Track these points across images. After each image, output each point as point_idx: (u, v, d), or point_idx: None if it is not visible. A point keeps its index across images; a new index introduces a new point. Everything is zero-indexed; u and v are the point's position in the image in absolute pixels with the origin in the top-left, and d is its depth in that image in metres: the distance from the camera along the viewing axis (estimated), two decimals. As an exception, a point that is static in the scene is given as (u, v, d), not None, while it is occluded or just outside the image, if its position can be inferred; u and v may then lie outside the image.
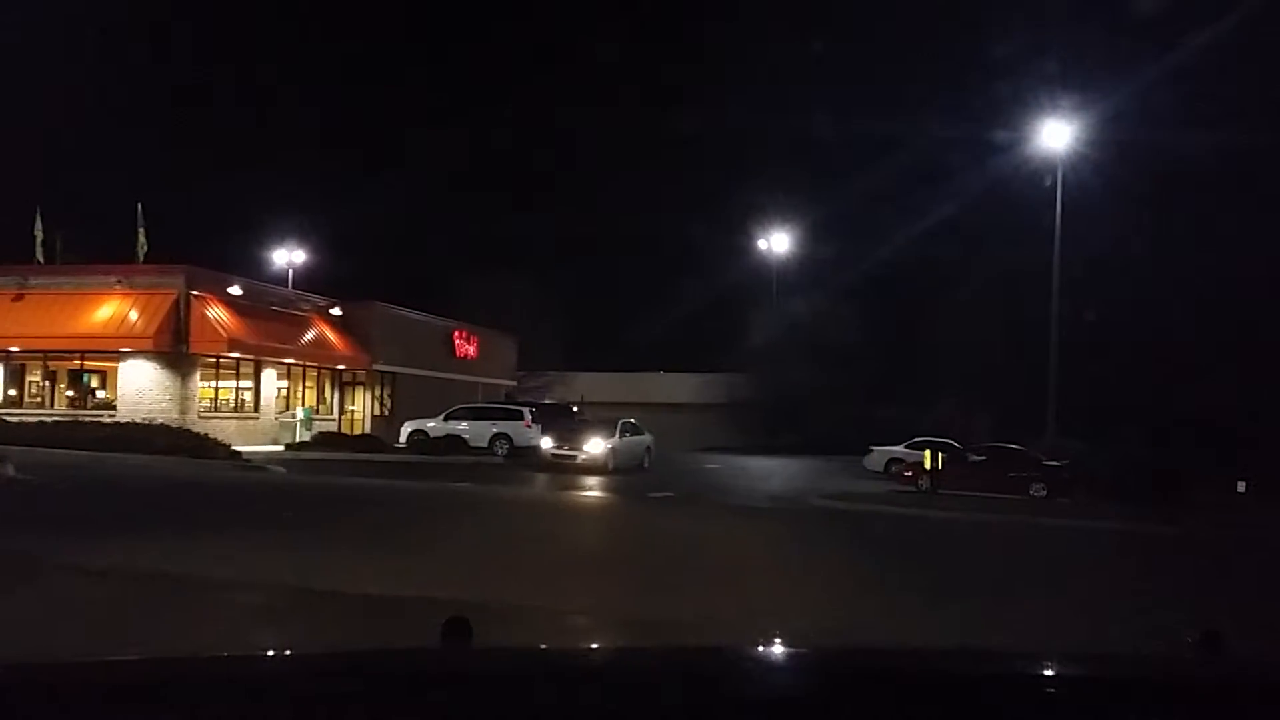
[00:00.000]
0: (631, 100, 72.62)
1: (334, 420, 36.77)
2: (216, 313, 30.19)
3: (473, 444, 31.27)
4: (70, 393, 31.16)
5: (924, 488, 23.78)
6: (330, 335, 36.09)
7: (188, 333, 29.47)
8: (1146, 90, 35.86)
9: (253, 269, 41.00)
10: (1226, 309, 38.40)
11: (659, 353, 56.35)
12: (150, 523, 11.77)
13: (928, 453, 21.69)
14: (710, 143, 78.84)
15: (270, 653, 2.03)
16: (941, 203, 48.57)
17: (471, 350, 43.76)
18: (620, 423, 28.63)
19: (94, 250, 31.60)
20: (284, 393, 34.75)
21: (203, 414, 30.46)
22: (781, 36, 69.15)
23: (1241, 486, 24.39)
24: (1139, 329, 40.18)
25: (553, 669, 1.77)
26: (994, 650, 2.87)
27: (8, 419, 26.49)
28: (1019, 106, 31.43)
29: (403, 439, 32.85)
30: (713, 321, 55.75)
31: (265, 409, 33.29)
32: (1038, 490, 24.19)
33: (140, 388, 29.51)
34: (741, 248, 55.55)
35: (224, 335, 29.91)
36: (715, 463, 35.47)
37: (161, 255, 31.10)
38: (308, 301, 36.65)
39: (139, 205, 32.40)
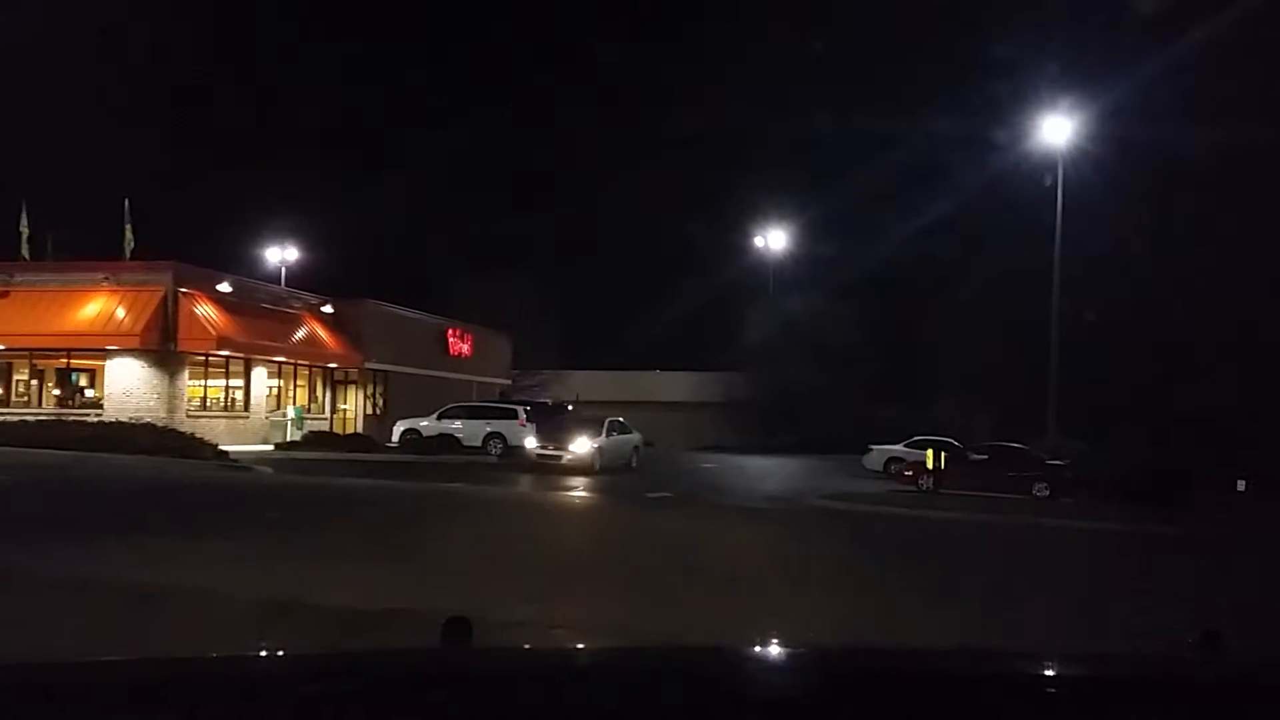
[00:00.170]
0: (630, 100, 72.31)
1: (326, 419, 36.31)
2: (205, 310, 29.71)
3: (466, 443, 30.87)
4: (57, 391, 30.72)
5: (925, 487, 23.39)
6: (322, 333, 35.62)
7: (175, 330, 29.01)
8: (1147, 88, 35.61)
9: (250, 268, 40.51)
10: (1226, 308, 38.19)
11: (656, 351, 56.01)
12: (117, 527, 11.26)
13: (930, 452, 21.23)
14: (709, 142, 78.65)
15: (270, 653, 1.98)
16: (941, 201, 48.34)
17: (466, 349, 43.33)
18: (607, 421, 27.87)
19: (88, 249, 31.16)
20: (275, 392, 34.29)
21: (191, 413, 29.99)
22: (780, 35, 68.89)
23: (1241, 485, 24.14)
24: (1139, 328, 39.96)
25: (553, 669, 1.76)
26: (994, 650, 2.96)
27: (-6, 418, 26.04)
28: (1018, 105, 31.14)
29: (395, 438, 32.44)
30: (710, 320, 55.44)
31: (255, 408, 32.81)
32: (1040, 490, 23.81)
33: (127, 386, 29.04)
34: (740, 246, 55.21)
35: (212, 333, 29.44)
36: (712, 462, 35.05)
37: (154, 253, 30.59)
38: (299, 299, 36.19)
39: (125, 201, 31.93)
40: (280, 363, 33.99)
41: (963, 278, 48.62)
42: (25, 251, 31.63)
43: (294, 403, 34.42)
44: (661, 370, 57.79)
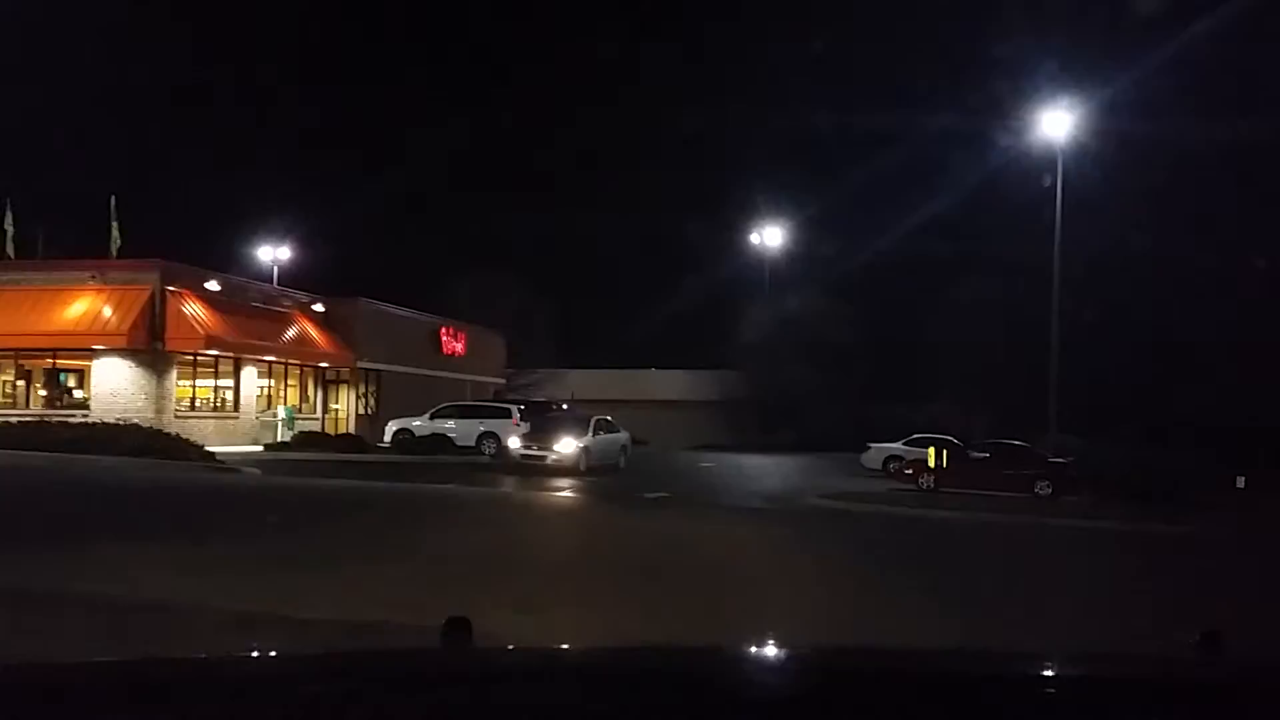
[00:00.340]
0: (627, 98, 72.00)
1: (317, 419, 35.83)
2: (193, 309, 29.23)
3: (459, 443, 30.47)
4: (43, 392, 30.23)
5: (926, 486, 23.01)
6: (313, 332, 35.15)
7: (163, 329, 28.53)
8: (1147, 84, 35.42)
9: (243, 268, 40.09)
10: (1226, 304, 37.95)
11: (652, 350, 55.65)
12: (81, 533, 10.73)
13: (932, 450, 20.82)
14: (706, 139, 78.00)
15: (269, 653, 2.02)
16: (939, 199, 48.07)
17: (459, 347, 42.87)
18: (594, 420, 27.06)
19: (81, 247, 30.71)
20: (266, 391, 33.82)
21: (180, 414, 29.52)
22: (779, 33, 68.53)
23: (1241, 482, 23.82)
24: (1138, 325, 39.70)
25: (552, 669, 1.75)
26: (994, 650, 2.93)
27: (-21, 419, 25.53)
28: (1018, 101, 30.74)
29: (387, 438, 32.04)
30: (707, 319, 55.10)
31: (245, 408, 32.34)
32: (1042, 488, 23.43)
33: (114, 387, 28.58)
34: (737, 245, 54.84)
35: (201, 332, 28.96)
36: (710, 461, 34.64)
37: (143, 251, 30.09)
38: (289, 297, 35.72)
39: (112, 198, 31.42)
40: (270, 362, 33.51)
41: (961, 275, 48.43)
42: (9, 250, 31.13)
43: (285, 403, 33.94)
44: (658, 369, 57.39)
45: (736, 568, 11.28)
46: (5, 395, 30.20)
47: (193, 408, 30.65)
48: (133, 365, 28.56)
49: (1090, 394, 33.34)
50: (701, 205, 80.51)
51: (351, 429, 35.60)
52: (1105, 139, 30.57)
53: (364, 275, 51.83)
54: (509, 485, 21.16)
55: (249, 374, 32.49)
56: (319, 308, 35.84)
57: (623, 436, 28.15)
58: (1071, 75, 29.28)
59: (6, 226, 30.98)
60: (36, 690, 1.50)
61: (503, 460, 26.05)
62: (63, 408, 28.89)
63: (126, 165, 60.14)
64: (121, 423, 24.86)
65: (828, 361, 48.36)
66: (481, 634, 1.83)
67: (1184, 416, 32.49)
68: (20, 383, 30.56)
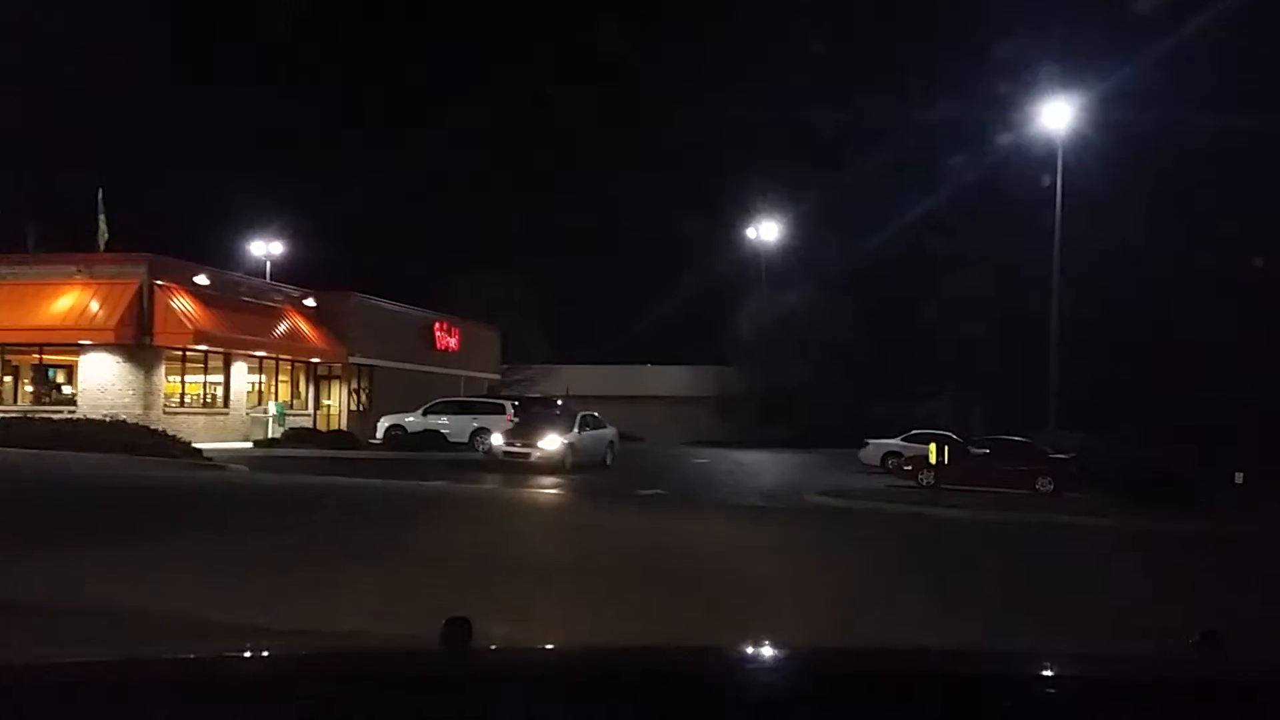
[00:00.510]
0: (622, 91, 71.47)
1: (309, 415, 35.42)
2: (182, 303, 28.79)
3: (452, 439, 30.10)
4: (30, 388, 29.79)
5: (925, 483, 22.63)
6: (304, 327, 34.71)
7: (151, 324, 28.11)
8: (1147, 80, 35.08)
9: (237, 263, 39.55)
10: (1225, 298, 37.72)
11: (648, 345, 55.20)
12: (36, 534, 10.27)
13: (933, 446, 20.42)
14: (702, 134, 77.49)
15: (270, 653, 1.95)
16: (937, 193, 47.63)
17: (453, 342, 42.47)
18: (580, 415, 26.28)
19: (71, 243, 30.19)
20: (257, 387, 33.39)
21: (169, 409, 29.12)
22: (777, 30, 68.10)
23: (1239, 478, 23.51)
24: (1137, 319, 39.45)
25: (553, 669, 1.77)
26: (994, 650, 2.94)
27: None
28: (1016, 97, 30.36)
29: (379, 434, 31.66)
30: (704, 314, 54.70)
31: (236, 404, 31.91)
32: (1044, 485, 23.08)
33: (102, 382, 28.16)
34: (734, 239, 54.36)
35: (190, 327, 28.54)
36: (705, 457, 34.25)
37: (132, 246, 29.60)
38: (280, 292, 35.26)
39: (99, 191, 30.96)
40: (261, 357, 33.08)
41: (958, 270, 48.11)
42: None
43: (276, 399, 33.50)
44: (653, 364, 57.02)
45: (735, 570, 10.86)
46: (-8, 391, 29.79)
47: (182, 404, 30.25)
48: (120, 360, 28.15)
49: (1088, 390, 33.09)
50: (698, 200, 79.78)
51: (344, 425, 35.23)
52: (1105, 131, 30.27)
53: (358, 270, 51.31)
54: (500, 483, 20.65)
55: (239, 369, 32.06)
56: (310, 302, 35.39)
57: (609, 432, 27.39)
58: (1071, 70, 28.92)
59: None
60: (37, 690, 1.50)
61: (491, 457, 25.55)
62: (51, 404, 28.49)
63: (119, 161, 59.62)
64: (107, 419, 24.47)
65: (825, 357, 48.07)
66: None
67: (1181, 412, 32.29)
68: (7, 379, 30.15)
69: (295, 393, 35.51)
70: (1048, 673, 1.81)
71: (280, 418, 31.82)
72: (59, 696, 1.48)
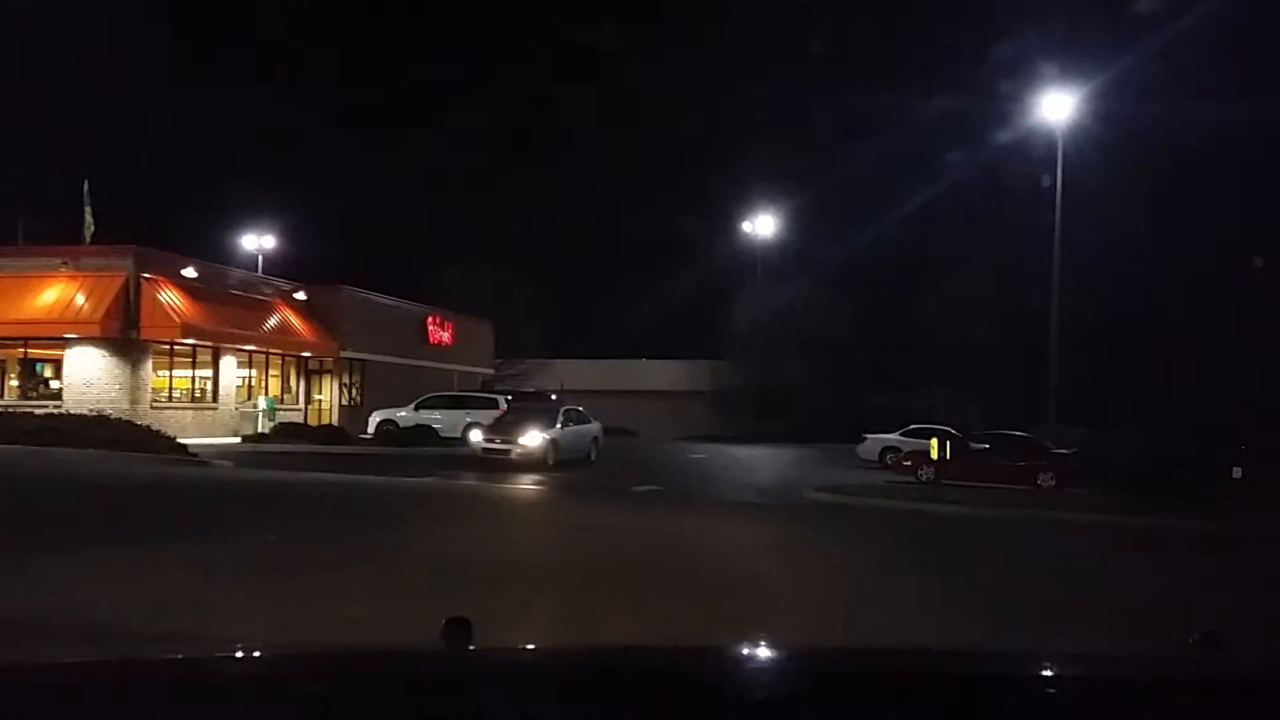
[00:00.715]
0: (619, 84, 70.99)
1: (300, 410, 34.98)
2: (169, 296, 28.32)
3: (445, 434, 29.66)
4: (15, 382, 29.30)
5: (925, 478, 22.26)
6: (295, 321, 34.25)
7: (138, 317, 27.64)
8: (1147, 77, 34.79)
9: (229, 257, 39.07)
10: (1224, 295, 37.53)
11: (644, 340, 54.82)
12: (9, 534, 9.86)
13: (935, 441, 20.02)
14: (701, 131, 77.16)
15: (269, 653, 1.95)
16: (936, 188, 47.26)
17: (446, 337, 42.03)
18: (563, 410, 25.39)
19: (61, 238, 29.68)
20: (246, 382, 32.93)
21: (157, 404, 28.68)
22: (777, 28, 67.62)
23: (1237, 473, 23.13)
24: (1138, 316, 39.25)
25: (553, 669, 1.76)
26: (994, 650, 2.97)
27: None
28: (1015, 95, 29.92)
29: (371, 429, 31.24)
30: (700, 308, 54.28)
31: (225, 399, 31.45)
32: (1046, 480, 22.72)
33: (88, 377, 27.70)
34: (730, 233, 54.00)
35: (177, 320, 28.06)
36: (702, 452, 33.85)
37: (126, 240, 29.05)
38: (270, 285, 34.79)
39: (85, 183, 30.46)
40: (251, 352, 32.61)
41: (956, 265, 47.81)
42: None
43: (266, 393, 33.05)
44: (649, 359, 56.62)
45: (735, 571, 10.45)
46: (-22, 387, 29.32)
47: (170, 398, 29.78)
48: (106, 355, 27.70)
49: (1088, 384, 32.83)
50: (693, 194, 79.59)
51: (335, 420, 34.82)
52: (1105, 125, 29.95)
53: (352, 267, 50.90)
54: (491, 480, 20.12)
55: (228, 364, 31.61)
56: (301, 296, 34.93)
57: (594, 427, 26.55)
58: (1071, 66, 28.49)
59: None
60: (37, 690, 1.50)
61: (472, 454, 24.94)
62: (37, 398, 28.00)
63: (114, 157, 59.19)
64: (92, 414, 24.01)
65: (822, 352, 47.72)
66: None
67: (1180, 406, 32.04)
68: (-6, 373, 29.68)
69: (286, 387, 35.06)
70: (1047, 673, 1.81)
71: (270, 413, 31.37)
72: (59, 696, 1.48)
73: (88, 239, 29.95)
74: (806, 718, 1.51)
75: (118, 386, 27.65)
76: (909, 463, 23.97)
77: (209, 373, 31.18)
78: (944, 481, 21.33)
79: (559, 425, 24.00)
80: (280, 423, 30.70)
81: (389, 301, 38.80)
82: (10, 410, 24.53)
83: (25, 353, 28.94)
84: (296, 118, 69.18)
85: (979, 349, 44.65)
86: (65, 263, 27.93)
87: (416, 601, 7.12)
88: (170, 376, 29.98)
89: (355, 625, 6.31)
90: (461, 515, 14.54)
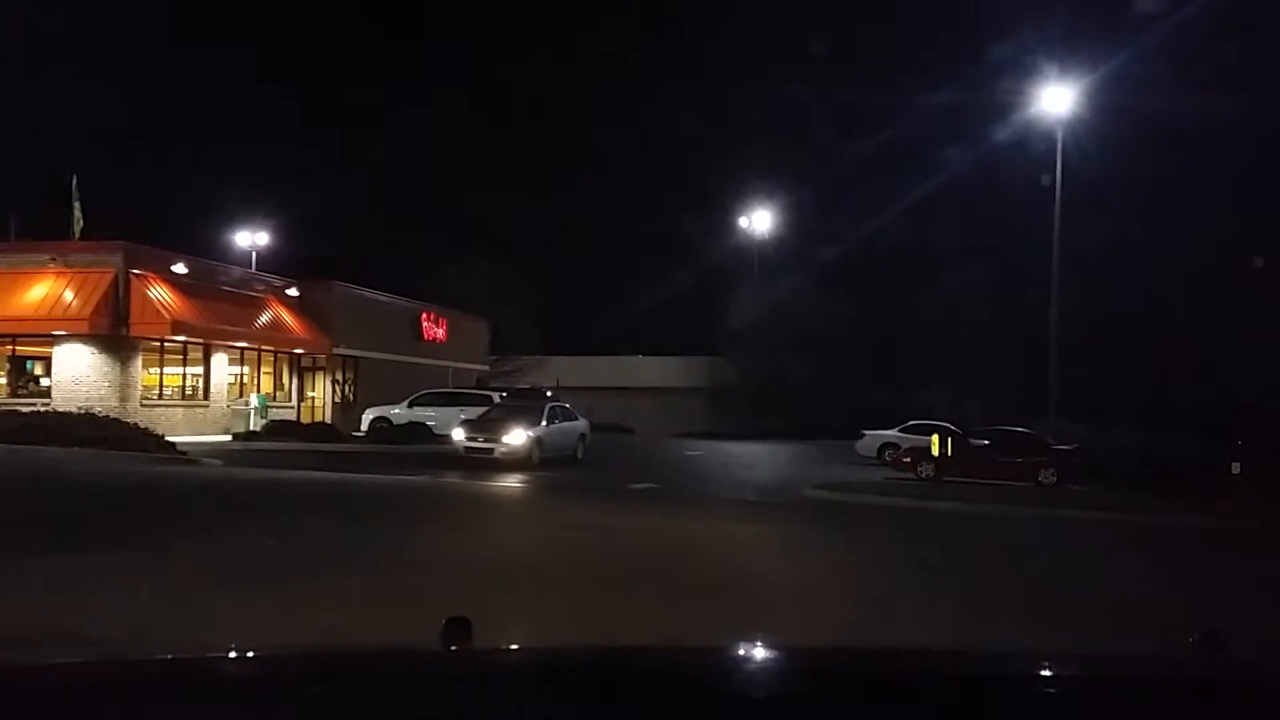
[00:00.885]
0: (614, 79, 70.61)
1: (292, 408, 34.63)
2: (159, 293, 27.97)
3: (439, 432, 29.25)
4: (3, 380, 28.92)
5: (925, 475, 21.95)
6: (287, 317, 33.90)
7: (127, 314, 27.30)
8: (1148, 73, 34.51)
9: (224, 254, 38.63)
10: (1224, 290, 37.31)
11: (640, 336, 54.54)
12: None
13: (936, 437, 19.70)
14: (697, 126, 76.52)
15: (270, 653, 1.96)
16: (933, 184, 46.95)
17: (440, 333, 41.69)
18: (548, 407, 24.49)
19: (54, 235, 29.27)
20: (239, 379, 32.58)
21: (147, 402, 28.33)
22: (775, 23, 67.26)
23: (1236, 468, 22.83)
24: (1138, 311, 39.02)
25: (553, 669, 1.74)
26: (994, 650, 2.99)
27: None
28: (1013, 92, 29.62)
29: (364, 427, 30.90)
30: (696, 304, 54.00)
31: (216, 396, 31.09)
32: (1047, 477, 22.42)
33: (77, 374, 27.36)
34: (726, 229, 53.70)
35: (167, 317, 27.71)
36: (698, 449, 33.53)
37: (111, 235, 28.66)
38: (262, 281, 34.43)
39: (73, 178, 30.06)
40: (243, 348, 32.26)
41: (953, 260, 47.62)
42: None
43: (258, 390, 32.70)
44: (645, 355, 56.31)
45: (736, 573, 10.14)
46: (-36, 384, 28.92)
47: (160, 396, 29.44)
48: (95, 351, 27.36)
49: (1087, 380, 32.57)
50: (691, 191, 79.22)
51: (328, 417, 34.50)
52: (1105, 119, 29.69)
53: (347, 265, 50.60)
54: (483, 478, 19.70)
55: (219, 361, 31.26)
56: (293, 292, 34.59)
57: (580, 424, 25.89)
58: (1071, 62, 28.21)
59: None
60: (37, 690, 1.50)
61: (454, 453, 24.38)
62: (27, 396, 27.65)
63: (109, 153, 58.73)
64: (80, 411, 23.66)
65: (819, 348, 47.44)
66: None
67: (1177, 402, 31.83)
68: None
69: (278, 384, 34.73)
70: (1047, 673, 1.80)
71: (262, 410, 31.02)
72: (59, 696, 1.47)
73: (76, 234, 29.57)
74: (806, 718, 1.52)
75: (107, 384, 27.32)
76: (908, 459, 23.66)
77: (200, 370, 30.84)
78: (944, 478, 21.02)
79: (544, 423, 23.34)
80: (272, 420, 30.36)
81: (383, 298, 38.46)
82: (-2, 408, 24.15)
83: (14, 350, 28.58)
84: (294, 114, 68.90)
85: (977, 345, 44.44)
86: (54, 258, 27.58)
87: (396, 611, 6.77)
88: (161, 373, 29.65)
89: (331, 635, 5.99)
90: (454, 515, 14.17)
